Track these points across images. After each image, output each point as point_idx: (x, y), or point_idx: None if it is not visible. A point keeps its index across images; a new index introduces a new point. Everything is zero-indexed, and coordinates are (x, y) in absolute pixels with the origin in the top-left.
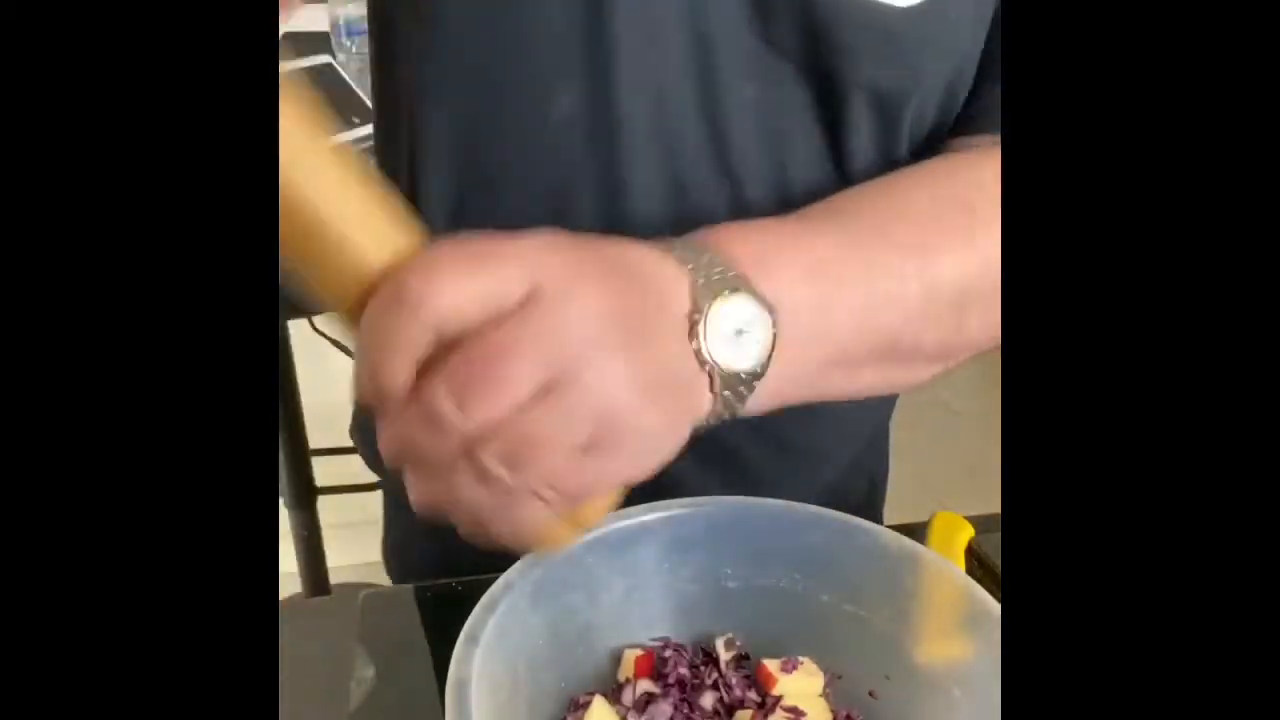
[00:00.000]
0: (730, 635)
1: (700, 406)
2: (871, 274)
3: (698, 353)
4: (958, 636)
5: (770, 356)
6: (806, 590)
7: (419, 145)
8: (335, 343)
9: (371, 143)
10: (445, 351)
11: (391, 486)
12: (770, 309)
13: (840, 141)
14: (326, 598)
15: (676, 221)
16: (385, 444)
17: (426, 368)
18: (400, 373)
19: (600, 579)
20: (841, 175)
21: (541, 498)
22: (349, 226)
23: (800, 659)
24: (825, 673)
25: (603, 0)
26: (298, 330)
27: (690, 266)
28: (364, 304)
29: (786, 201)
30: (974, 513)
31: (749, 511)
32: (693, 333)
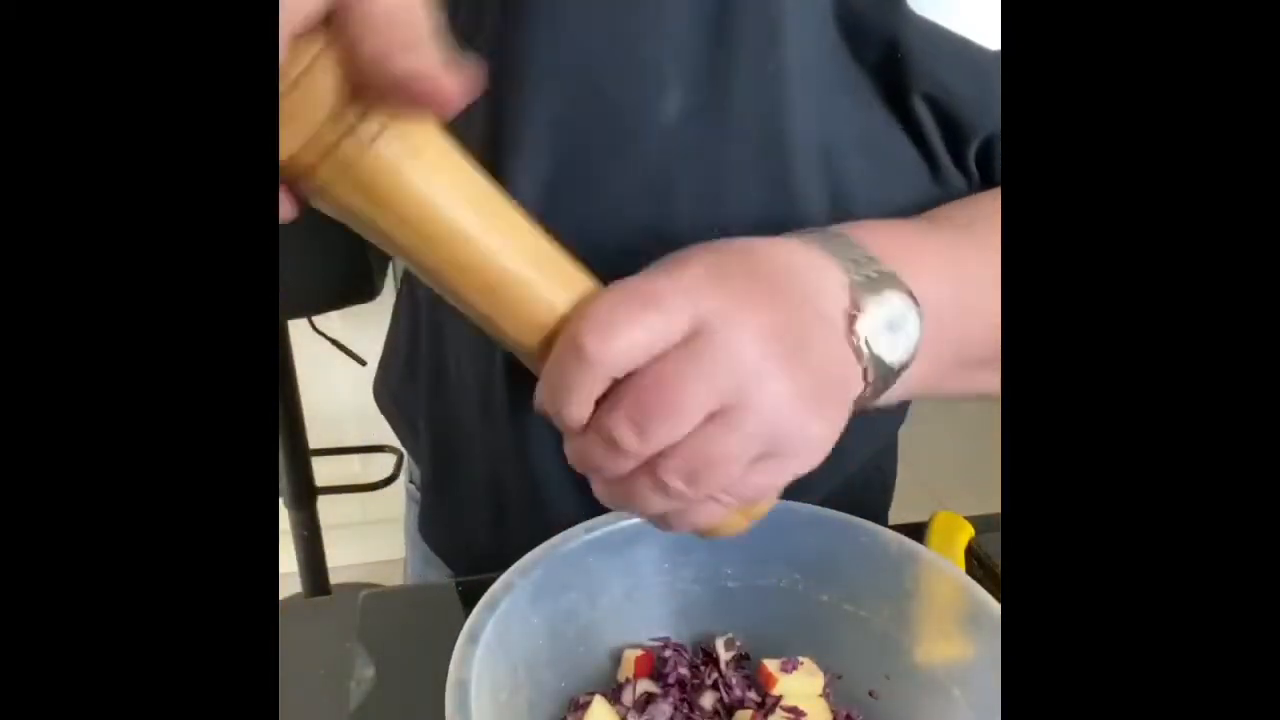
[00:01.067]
0: (730, 635)
1: (855, 393)
2: (996, 280)
3: (856, 348)
4: (957, 636)
5: (917, 349)
6: (806, 590)
7: (506, 135)
8: (335, 343)
9: None
10: (620, 384)
11: (437, 456)
12: (918, 303)
13: (930, 167)
14: (326, 598)
15: (776, 229)
16: (571, 456)
17: (604, 397)
18: (581, 413)
19: (600, 579)
20: (939, 192)
21: (719, 501)
22: (530, 276)
23: (800, 659)
24: (825, 673)
25: (728, 4)
26: (298, 330)
27: (844, 262)
28: (548, 344)
29: (888, 214)
30: (974, 513)
31: None
32: (851, 328)
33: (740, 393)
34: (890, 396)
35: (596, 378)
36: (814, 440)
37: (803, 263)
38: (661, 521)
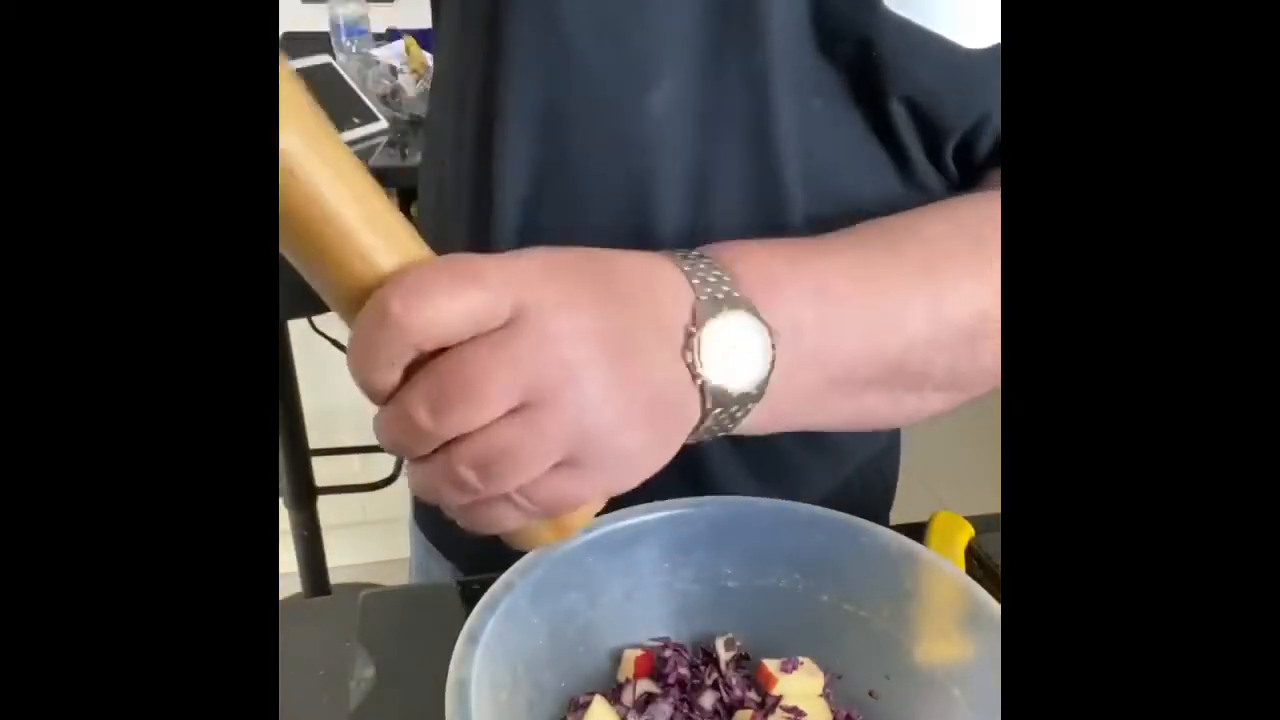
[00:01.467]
0: (730, 635)
1: (689, 422)
2: (879, 298)
3: (691, 367)
4: (957, 636)
5: (768, 379)
6: (806, 590)
7: (494, 123)
8: (335, 343)
9: (370, 143)
10: (429, 358)
11: None
12: (772, 331)
13: (903, 165)
14: (326, 598)
15: (759, 225)
16: (378, 433)
17: (413, 370)
18: (383, 381)
19: (600, 579)
20: (914, 193)
21: (515, 504)
22: (356, 225)
23: (800, 659)
24: (825, 673)
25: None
26: (298, 330)
27: (695, 280)
28: (352, 306)
29: (857, 215)
30: (974, 513)
31: (749, 511)
32: (687, 346)
33: (549, 390)
34: (754, 424)
35: (399, 345)
36: (626, 455)
37: (650, 274)
38: (461, 517)
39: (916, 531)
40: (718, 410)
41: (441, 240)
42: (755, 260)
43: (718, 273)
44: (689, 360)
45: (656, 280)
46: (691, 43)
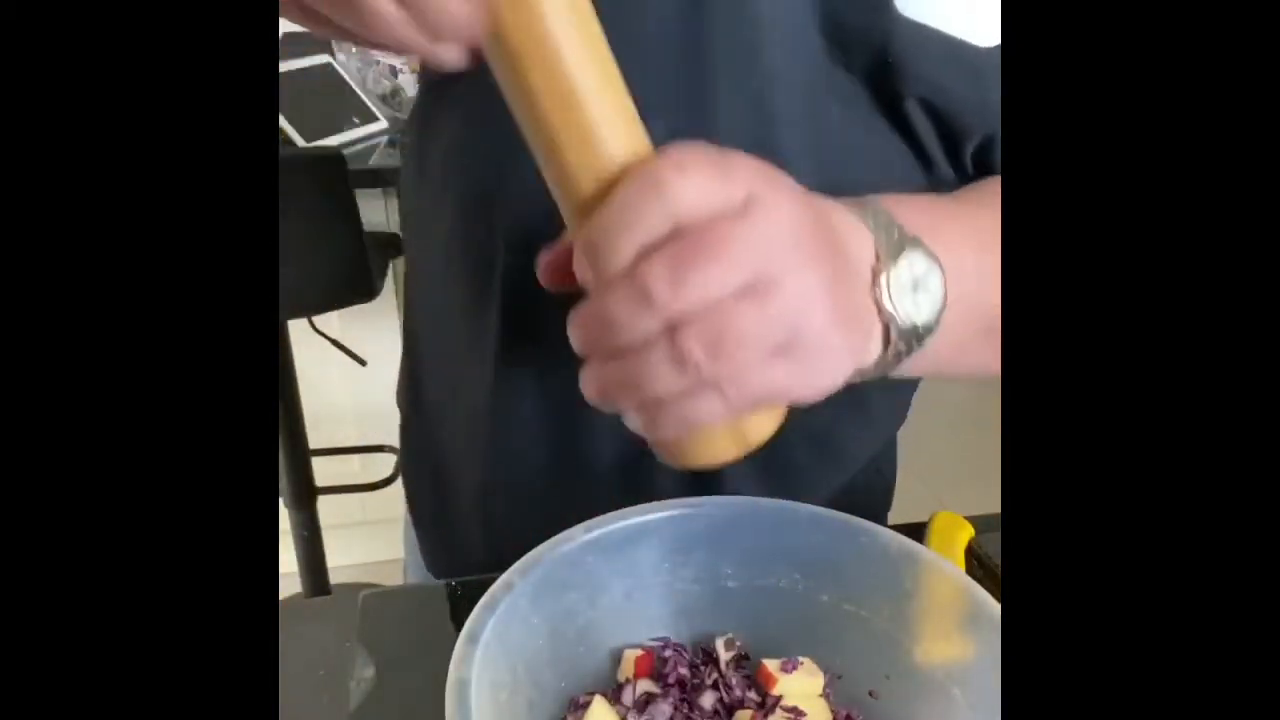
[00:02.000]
0: (730, 635)
1: (871, 352)
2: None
3: (878, 302)
4: (957, 636)
5: (943, 313)
6: (806, 590)
7: (491, 181)
8: (335, 343)
9: (370, 143)
10: (667, 241)
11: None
12: (943, 268)
13: (927, 168)
14: (326, 598)
15: None
16: (582, 324)
17: (646, 254)
18: (627, 251)
19: (600, 579)
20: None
21: (724, 393)
22: (609, 107)
23: (800, 659)
24: (825, 673)
25: (702, 27)
26: (298, 330)
27: (869, 222)
28: (599, 187)
29: None
30: (974, 513)
31: (749, 511)
32: (875, 282)
33: (778, 272)
34: (913, 365)
35: (664, 213)
36: (831, 350)
37: (840, 217)
38: (651, 414)
39: (916, 531)
40: (899, 343)
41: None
42: (913, 207)
43: (888, 217)
44: (876, 295)
45: (842, 218)
46: (680, 77)
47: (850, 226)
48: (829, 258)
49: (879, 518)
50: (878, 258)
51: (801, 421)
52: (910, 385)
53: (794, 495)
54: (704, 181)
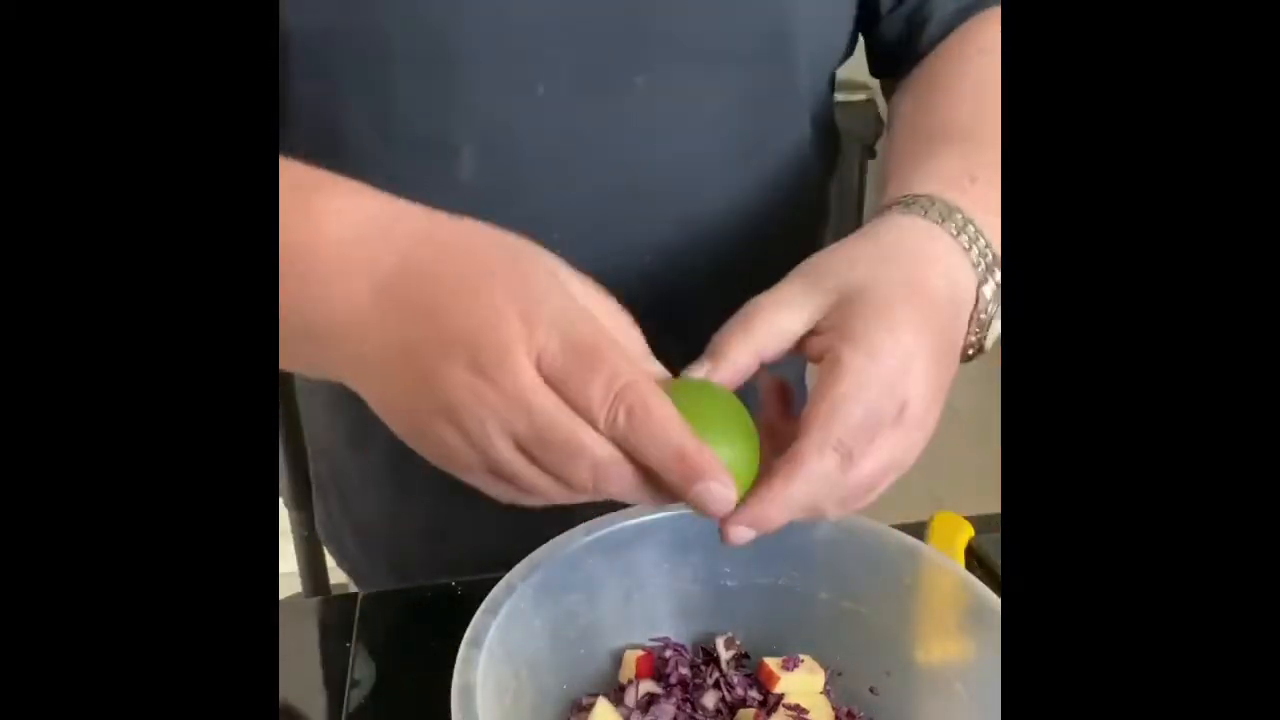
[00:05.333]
0: (730, 635)
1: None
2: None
3: (972, 340)
4: (958, 632)
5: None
6: (806, 588)
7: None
8: None
9: None
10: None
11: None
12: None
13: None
14: (326, 598)
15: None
16: (800, 499)
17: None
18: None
19: (600, 580)
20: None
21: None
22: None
23: (801, 657)
24: (826, 670)
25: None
26: None
27: (967, 248)
28: None
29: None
30: (974, 513)
31: None
32: (971, 325)
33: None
34: None
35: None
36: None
37: (953, 283)
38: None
39: (916, 531)
40: (972, 351)
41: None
42: (969, 194)
43: (972, 225)
44: (971, 337)
45: (953, 268)
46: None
47: (957, 273)
48: (949, 363)
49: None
50: (976, 301)
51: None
52: None
53: None
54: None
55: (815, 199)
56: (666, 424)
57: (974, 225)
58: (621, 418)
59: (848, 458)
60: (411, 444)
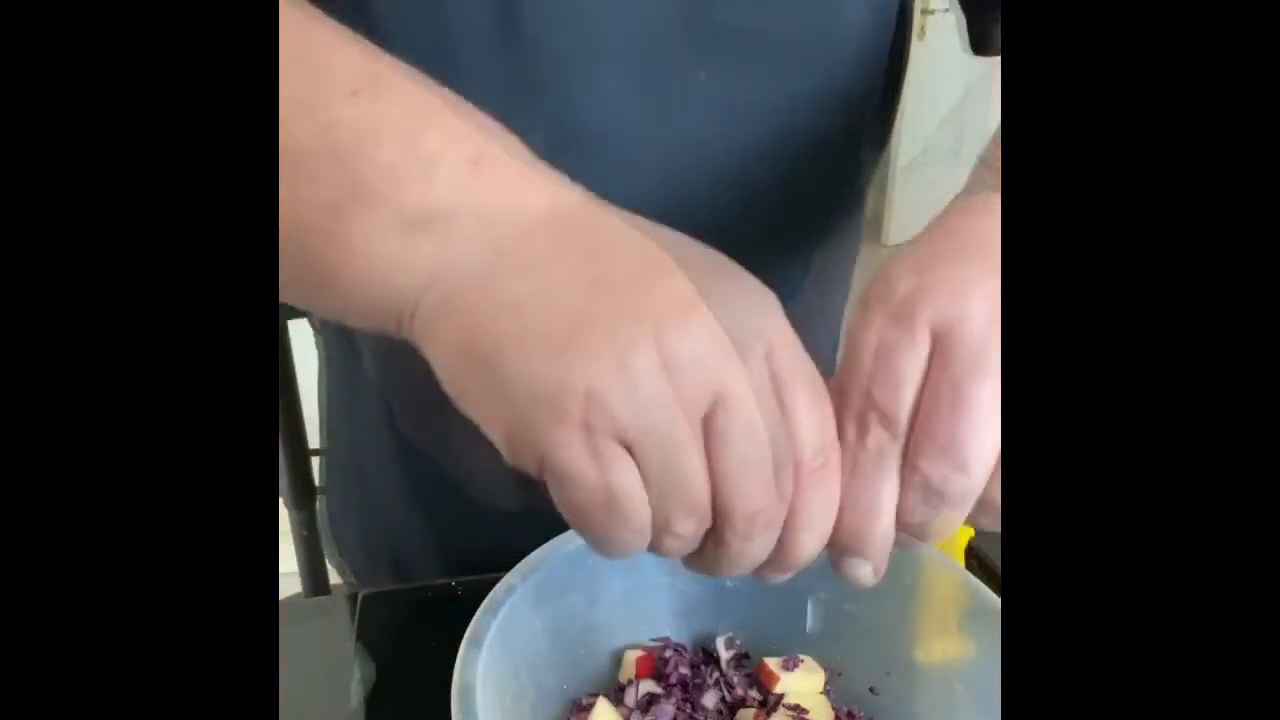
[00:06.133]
0: (730, 634)
1: None
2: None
3: None
4: (959, 632)
5: None
6: (806, 588)
7: None
8: None
9: None
10: None
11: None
12: None
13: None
14: (326, 598)
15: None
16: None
17: None
18: None
19: (600, 580)
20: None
21: None
22: None
23: (801, 657)
24: (826, 670)
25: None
26: (298, 330)
27: None
28: None
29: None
30: None
31: None
32: None
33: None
34: None
35: None
36: None
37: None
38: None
39: None
40: None
41: None
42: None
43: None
44: None
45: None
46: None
47: None
48: None
49: None
50: None
51: None
52: (843, 296)
53: None
54: None
55: (857, 197)
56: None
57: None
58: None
59: None
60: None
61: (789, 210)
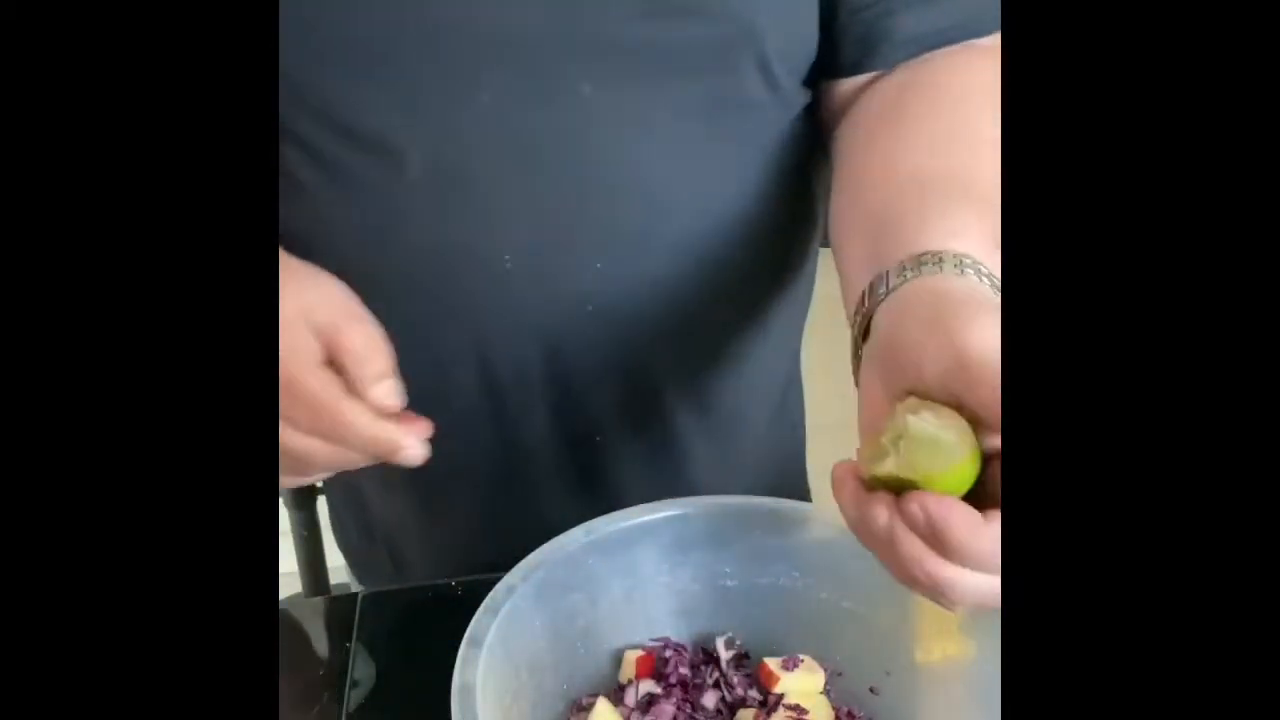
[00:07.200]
0: (730, 635)
1: None
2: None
3: None
4: (958, 632)
5: None
6: (806, 588)
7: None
8: None
9: None
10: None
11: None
12: None
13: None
14: (326, 598)
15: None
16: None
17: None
18: None
19: (601, 580)
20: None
21: None
22: None
23: (801, 657)
24: (826, 670)
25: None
26: None
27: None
28: None
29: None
30: None
31: (748, 511)
32: None
33: None
34: None
35: None
36: None
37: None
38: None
39: None
40: None
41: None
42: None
43: (993, 278)
44: None
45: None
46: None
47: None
48: None
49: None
50: None
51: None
52: (805, 301)
53: (790, 492)
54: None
55: (796, 205)
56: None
57: (988, 275)
58: None
59: None
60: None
61: (704, 226)
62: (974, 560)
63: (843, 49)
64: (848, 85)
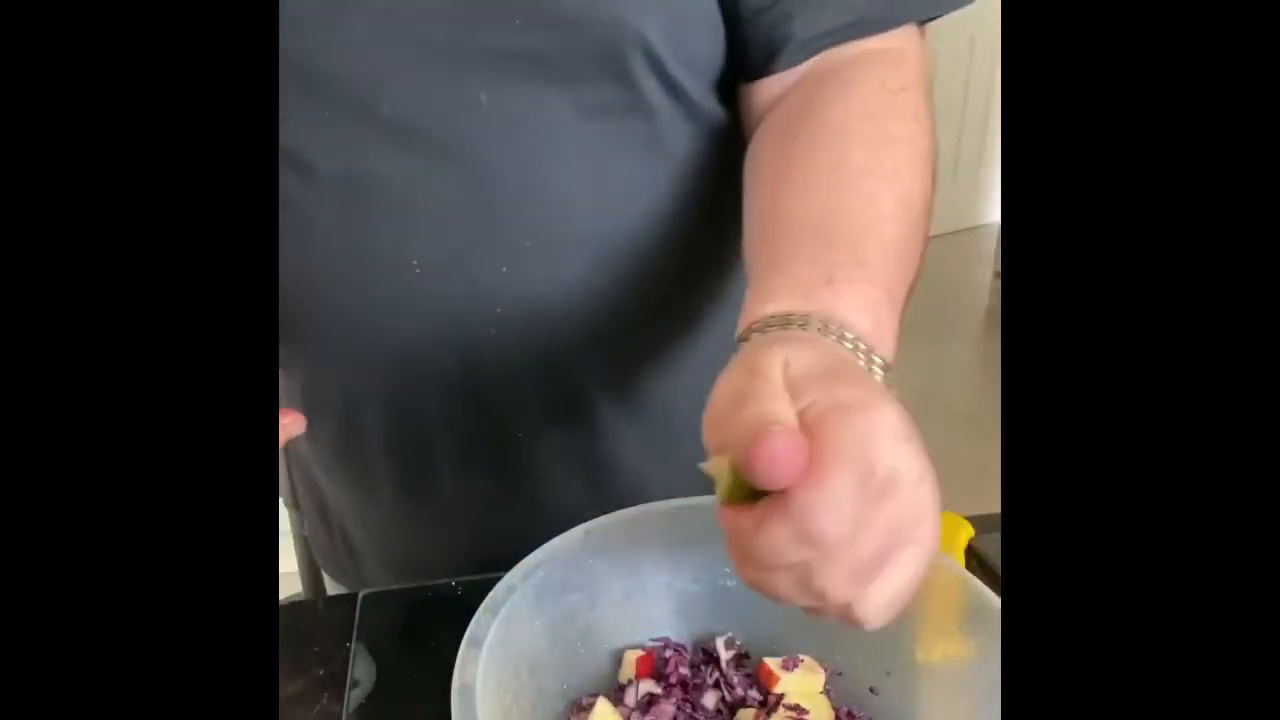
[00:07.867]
0: (730, 634)
1: None
2: (888, 260)
3: None
4: (958, 632)
5: None
6: None
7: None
8: None
9: None
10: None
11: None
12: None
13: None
14: (326, 597)
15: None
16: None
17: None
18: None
19: (600, 580)
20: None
21: None
22: None
23: (801, 657)
24: (826, 670)
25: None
26: None
27: (871, 369)
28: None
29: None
30: (974, 513)
31: None
32: None
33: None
34: None
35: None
36: None
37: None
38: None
39: None
40: None
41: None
42: (859, 310)
43: (867, 350)
44: None
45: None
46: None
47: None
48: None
49: None
50: None
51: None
52: (738, 302)
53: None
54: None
55: (712, 209)
56: None
57: (836, 323)
58: None
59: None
60: None
61: (610, 232)
62: (760, 559)
63: (749, 52)
64: (767, 87)
